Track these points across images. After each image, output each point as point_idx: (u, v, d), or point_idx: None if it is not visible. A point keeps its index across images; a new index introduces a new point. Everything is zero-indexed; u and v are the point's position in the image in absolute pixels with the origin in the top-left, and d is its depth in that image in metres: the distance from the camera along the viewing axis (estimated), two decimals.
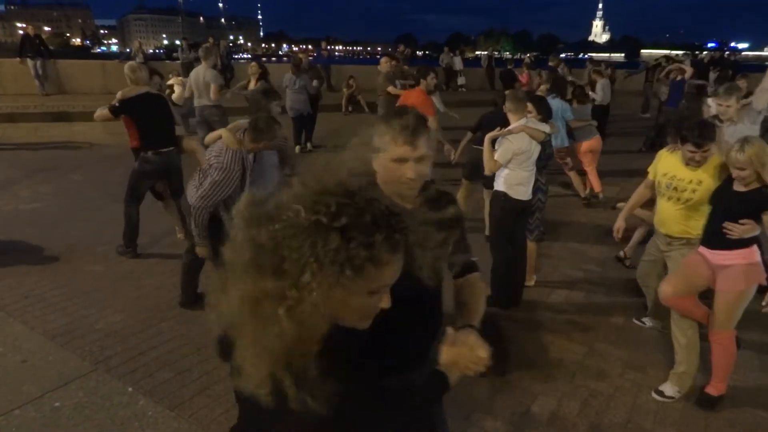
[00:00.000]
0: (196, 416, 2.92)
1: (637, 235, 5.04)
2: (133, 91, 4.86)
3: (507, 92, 4.63)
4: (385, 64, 8.44)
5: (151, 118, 4.89)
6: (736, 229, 2.90)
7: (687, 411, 3.08)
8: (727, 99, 4.18)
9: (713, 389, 3.10)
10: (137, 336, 3.68)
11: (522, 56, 34.65)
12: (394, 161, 1.62)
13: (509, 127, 4.08)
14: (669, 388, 3.18)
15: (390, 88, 7.95)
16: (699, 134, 3.08)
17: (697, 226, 3.22)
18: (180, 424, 2.86)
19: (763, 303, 4.14)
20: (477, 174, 5.43)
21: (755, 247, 3.00)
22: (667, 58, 13.83)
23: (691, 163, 3.18)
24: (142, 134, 4.91)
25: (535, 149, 4.05)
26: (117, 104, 4.78)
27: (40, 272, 4.60)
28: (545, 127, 4.22)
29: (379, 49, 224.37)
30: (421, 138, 1.62)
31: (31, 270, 4.64)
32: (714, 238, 3.02)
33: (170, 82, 10.32)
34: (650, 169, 3.60)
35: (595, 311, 4.26)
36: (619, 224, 3.68)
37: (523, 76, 13.51)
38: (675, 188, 3.27)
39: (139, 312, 4.00)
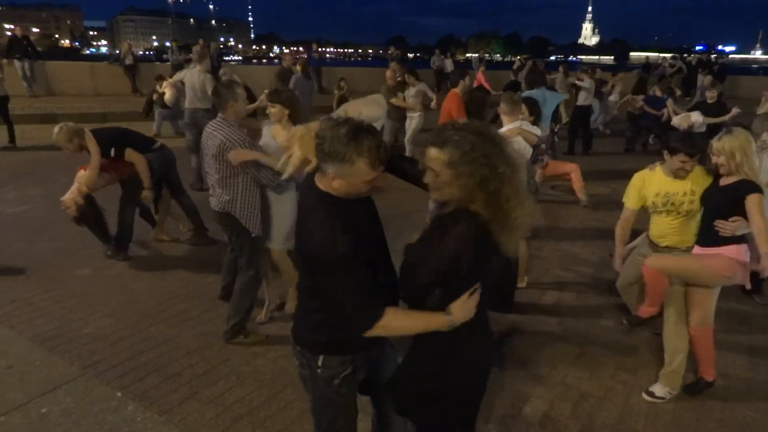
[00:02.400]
0: (185, 421, 2.88)
1: (638, 240, 5.06)
2: (90, 137, 4.58)
3: (503, 94, 4.64)
4: (390, 80, 8.43)
5: (128, 134, 4.96)
6: (727, 227, 2.93)
7: (678, 412, 3.09)
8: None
9: (708, 375, 3.19)
10: (126, 340, 3.64)
11: (512, 58, 34.81)
12: None
13: (504, 129, 4.10)
14: (659, 389, 3.19)
15: (393, 100, 8.01)
16: (691, 144, 3.16)
17: (694, 232, 3.27)
18: (170, 430, 2.83)
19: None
20: None
21: (745, 247, 3.02)
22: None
23: (680, 173, 3.21)
24: (133, 144, 4.83)
25: (528, 152, 4.08)
26: (110, 152, 4.67)
27: (27, 276, 4.55)
28: (537, 131, 4.25)
29: (370, 51, 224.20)
30: None
31: (18, 273, 4.58)
32: (706, 236, 3.07)
33: (164, 88, 10.28)
34: (631, 199, 3.48)
35: (586, 313, 4.27)
36: (620, 261, 3.69)
37: (477, 75, 13.83)
38: (672, 203, 3.29)
39: (128, 316, 3.96)
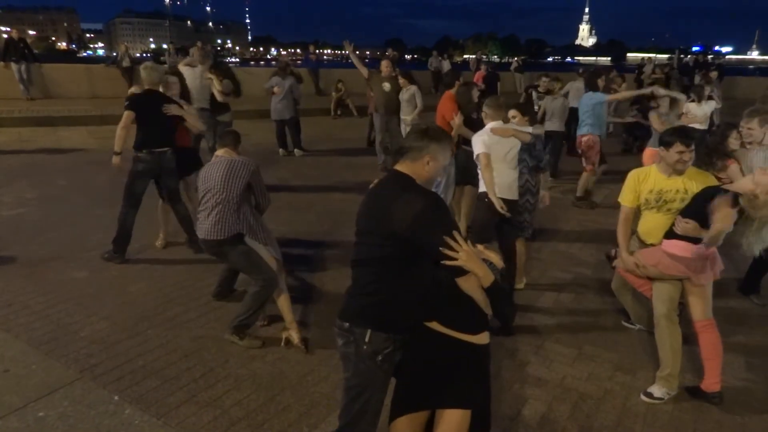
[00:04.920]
0: (183, 424, 2.87)
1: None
2: (138, 89, 5.03)
3: (487, 98, 4.62)
4: (385, 70, 8.46)
5: (149, 116, 4.86)
6: (679, 224, 3.11)
7: (676, 413, 3.10)
8: (749, 122, 4.08)
9: (712, 384, 3.17)
10: (123, 343, 3.63)
11: (510, 60, 34.81)
12: None
13: (495, 127, 4.12)
14: (657, 390, 3.19)
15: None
16: (685, 134, 3.23)
17: None
18: None
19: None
20: (465, 177, 5.45)
21: (684, 245, 3.11)
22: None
23: (678, 165, 3.21)
24: (138, 132, 4.88)
25: (516, 147, 4.10)
26: (126, 102, 4.92)
27: (23, 279, 4.53)
28: (529, 129, 4.29)
29: (367, 53, 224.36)
30: None
31: (15, 277, 4.56)
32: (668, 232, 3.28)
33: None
34: (627, 197, 3.48)
35: (584, 314, 4.27)
36: (630, 261, 3.45)
37: (476, 75, 14.62)
38: (665, 201, 3.31)
39: (125, 319, 3.94)
